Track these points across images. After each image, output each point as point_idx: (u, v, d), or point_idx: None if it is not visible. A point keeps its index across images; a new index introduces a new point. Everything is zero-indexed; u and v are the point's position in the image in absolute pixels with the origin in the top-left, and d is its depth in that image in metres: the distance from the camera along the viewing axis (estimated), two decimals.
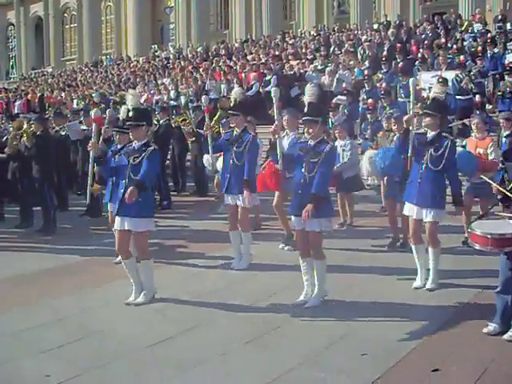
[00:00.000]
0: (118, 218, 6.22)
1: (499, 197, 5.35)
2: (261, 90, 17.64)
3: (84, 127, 11.96)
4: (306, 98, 6.03)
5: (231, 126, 7.62)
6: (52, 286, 6.94)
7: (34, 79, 35.27)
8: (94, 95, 22.30)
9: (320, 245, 6.02)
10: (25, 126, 10.11)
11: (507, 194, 5.13)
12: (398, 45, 18.20)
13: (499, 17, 20.34)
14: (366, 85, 15.74)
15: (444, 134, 6.49)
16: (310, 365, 4.71)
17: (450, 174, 6.40)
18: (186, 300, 6.27)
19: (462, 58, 15.47)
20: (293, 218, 6.10)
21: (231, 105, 7.57)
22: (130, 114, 6.27)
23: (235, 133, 7.40)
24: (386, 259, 7.59)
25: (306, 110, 6.02)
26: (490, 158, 7.87)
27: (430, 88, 9.96)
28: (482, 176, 6.60)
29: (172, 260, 7.85)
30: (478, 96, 14.06)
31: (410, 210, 6.48)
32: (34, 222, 10.08)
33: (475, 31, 18.67)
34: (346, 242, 8.42)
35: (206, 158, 9.85)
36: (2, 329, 5.67)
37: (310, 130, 5.92)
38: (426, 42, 18.37)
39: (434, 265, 6.43)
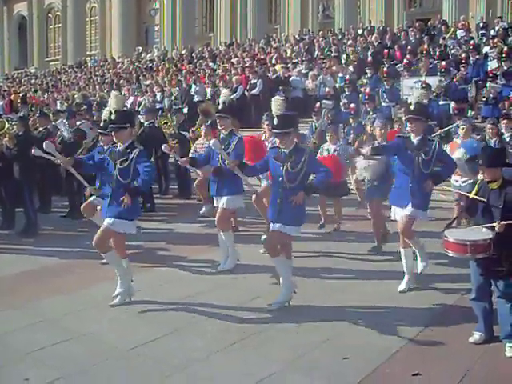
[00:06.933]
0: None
1: (462, 203, 5.42)
2: (246, 93, 17.67)
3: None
4: (274, 111, 6.04)
5: (219, 128, 7.57)
6: (36, 288, 6.87)
7: (17, 79, 34.95)
8: (76, 96, 22.12)
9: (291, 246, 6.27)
10: (6, 127, 10.00)
11: (468, 195, 5.19)
12: (386, 50, 18.33)
13: (481, 24, 20.55)
14: (346, 89, 15.83)
15: (429, 137, 6.60)
16: (292, 369, 4.73)
17: (449, 168, 6.61)
18: (170, 303, 6.25)
19: (444, 63, 15.55)
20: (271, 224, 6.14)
21: (219, 107, 7.50)
22: (113, 116, 6.25)
23: (222, 135, 7.40)
24: (369, 263, 7.62)
25: (275, 122, 6.03)
26: None
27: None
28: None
29: (155, 263, 7.82)
30: (453, 102, 14.03)
31: (397, 214, 6.53)
32: (16, 223, 9.97)
33: (458, 38, 18.87)
34: (330, 245, 8.47)
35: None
36: None
37: (283, 142, 5.98)
38: (409, 47, 18.50)
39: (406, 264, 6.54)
